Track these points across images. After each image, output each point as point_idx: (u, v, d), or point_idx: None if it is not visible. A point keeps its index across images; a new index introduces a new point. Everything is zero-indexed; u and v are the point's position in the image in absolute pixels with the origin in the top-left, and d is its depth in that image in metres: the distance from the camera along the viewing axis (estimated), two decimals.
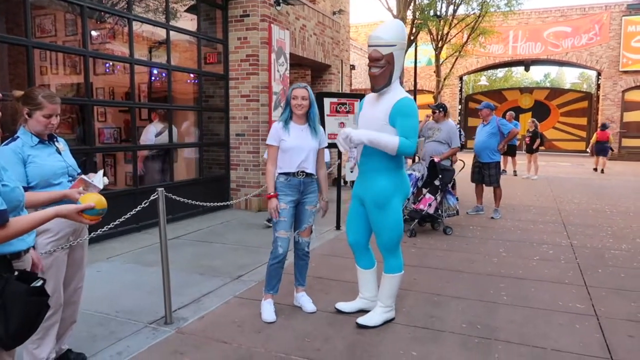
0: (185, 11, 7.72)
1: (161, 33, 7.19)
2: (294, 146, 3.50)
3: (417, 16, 14.25)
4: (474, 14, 17.48)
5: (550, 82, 51.45)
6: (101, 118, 8.22)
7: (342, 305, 3.71)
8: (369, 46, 3.32)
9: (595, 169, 14.95)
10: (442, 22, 16.58)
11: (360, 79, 20.21)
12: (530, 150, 13.09)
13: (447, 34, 17.36)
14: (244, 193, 7.88)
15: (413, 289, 4.23)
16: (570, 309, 3.81)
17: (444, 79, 18.97)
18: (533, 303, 3.92)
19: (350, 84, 14.25)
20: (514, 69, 37.97)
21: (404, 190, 3.44)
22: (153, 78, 8.23)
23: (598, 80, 22.50)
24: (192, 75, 7.97)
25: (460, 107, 25.09)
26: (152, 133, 7.17)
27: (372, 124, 3.32)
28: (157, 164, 7.37)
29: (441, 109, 6.87)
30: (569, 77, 51.54)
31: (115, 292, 4.12)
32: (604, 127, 14.64)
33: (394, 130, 3.24)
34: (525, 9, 21.17)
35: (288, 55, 8.44)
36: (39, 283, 1.84)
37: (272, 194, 3.52)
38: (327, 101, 6.38)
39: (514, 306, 3.86)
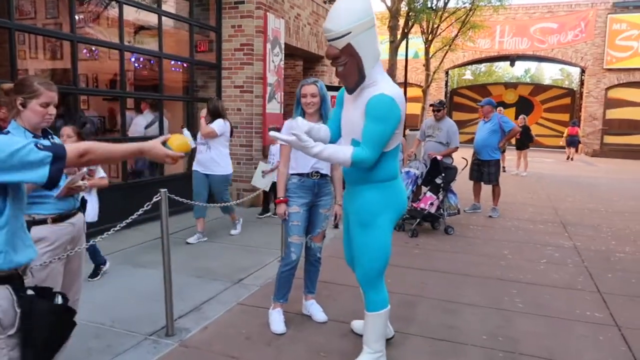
0: None
1: (152, 19, 6.80)
2: None
3: (411, 7, 14.00)
4: (464, 7, 17.32)
5: (531, 78, 51.83)
6: (83, 106, 7.81)
7: (357, 325, 3.32)
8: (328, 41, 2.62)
9: (568, 158, 18.09)
10: (434, 15, 16.36)
11: None
12: (521, 147, 13.05)
13: (438, 27, 17.18)
14: (236, 188, 7.60)
15: (424, 295, 4.05)
16: (589, 318, 3.68)
17: (434, 73, 18.81)
18: (550, 312, 3.78)
19: None
20: (496, 63, 38.11)
21: (398, 206, 2.76)
22: (142, 66, 7.85)
23: (582, 77, 22.65)
24: (183, 63, 7.60)
25: (444, 101, 25.01)
26: (141, 125, 6.82)
27: (352, 128, 2.69)
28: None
29: (443, 107, 6.67)
30: (548, 73, 52.17)
31: (109, 298, 3.83)
32: (574, 123, 18.36)
33: None
34: (513, 4, 21.13)
35: (283, 46, 8.13)
36: (59, 300, 1.72)
37: (281, 198, 3.28)
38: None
39: (531, 315, 3.70)
